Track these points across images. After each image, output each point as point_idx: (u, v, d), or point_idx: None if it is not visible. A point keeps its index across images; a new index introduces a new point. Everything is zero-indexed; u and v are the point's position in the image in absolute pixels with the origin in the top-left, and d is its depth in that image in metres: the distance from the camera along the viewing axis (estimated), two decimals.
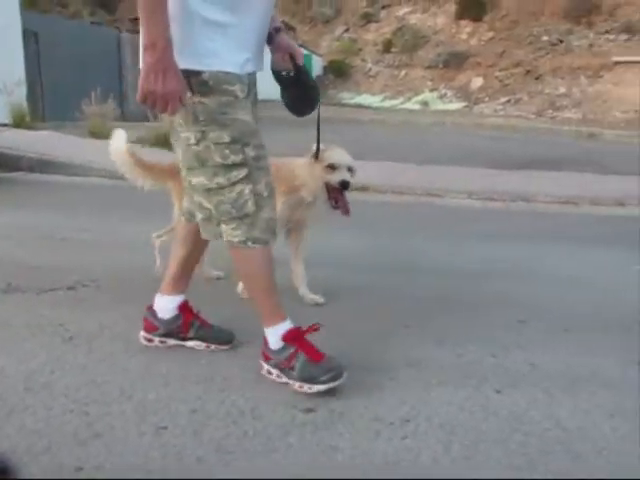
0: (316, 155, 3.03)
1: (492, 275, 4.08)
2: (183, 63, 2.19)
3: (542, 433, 2.26)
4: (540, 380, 2.63)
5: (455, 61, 23.52)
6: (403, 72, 24.22)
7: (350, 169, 3.10)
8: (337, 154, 3.10)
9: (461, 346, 2.93)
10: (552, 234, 5.31)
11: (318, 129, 2.80)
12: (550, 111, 19.06)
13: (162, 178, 3.32)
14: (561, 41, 23.54)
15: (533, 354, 2.88)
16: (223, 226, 2.42)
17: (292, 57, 2.57)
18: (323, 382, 2.39)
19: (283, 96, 2.62)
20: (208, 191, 2.38)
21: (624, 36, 21.70)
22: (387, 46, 27.00)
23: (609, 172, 8.22)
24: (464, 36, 25.30)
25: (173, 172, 3.05)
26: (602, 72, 20.07)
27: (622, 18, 22.56)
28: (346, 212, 3.10)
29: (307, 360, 2.43)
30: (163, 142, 7.86)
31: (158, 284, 2.84)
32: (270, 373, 2.52)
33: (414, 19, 27.09)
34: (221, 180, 2.35)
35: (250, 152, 2.35)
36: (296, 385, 2.43)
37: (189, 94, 2.25)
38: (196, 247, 2.79)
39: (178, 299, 2.78)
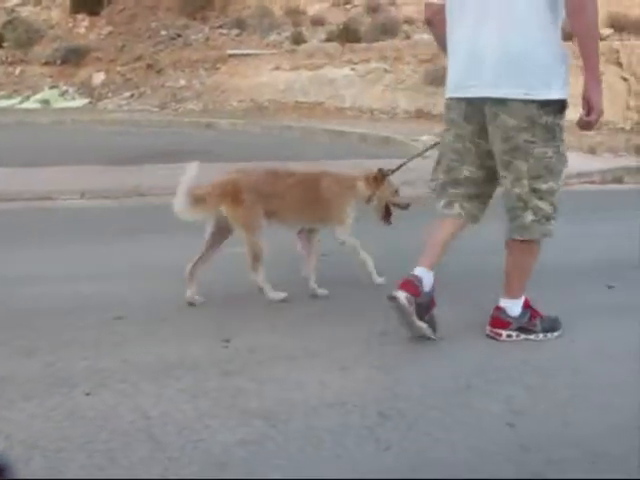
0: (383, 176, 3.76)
1: (79, 278, 3.99)
2: (556, 94, 2.89)
3: (127, 427, 2.31)
4: (130, 375, 2.69)
5: (74, 57, 22.71)
6: (18, 69, 22.80)
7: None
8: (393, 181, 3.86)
9: (53, 354, 2.86)
10: (167, 226, 5.41)
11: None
12: (173, 103, 19.42)
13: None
14: (179, 35, 24.00)
15: (126, 350, 2.93)
16: (552, 223, 3.01)
17: None
18: (558, 329, 3.19)
19: None
20: (553, 193, 2.98)
21: (236, 31, 22.86)
22: None
23: (223, 160, 8.64)
24: (82, 30, 24.62)
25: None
26: (219, 64, 20.93)
27: (233, 14, 23.79)
28: (390, 223, 3.85)
29: (541, 317, 3.16)
30: None
31: None
32: (509, 336, 3.11)
33: (26, 12, 25.61)
34: (560, 183, 2.99)
35: None
36: (540, 336, 3.14)
37: (551, 117, 2.90)
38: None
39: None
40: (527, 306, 3.16)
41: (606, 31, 16.77)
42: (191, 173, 3.38)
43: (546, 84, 2.86)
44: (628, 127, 14.64)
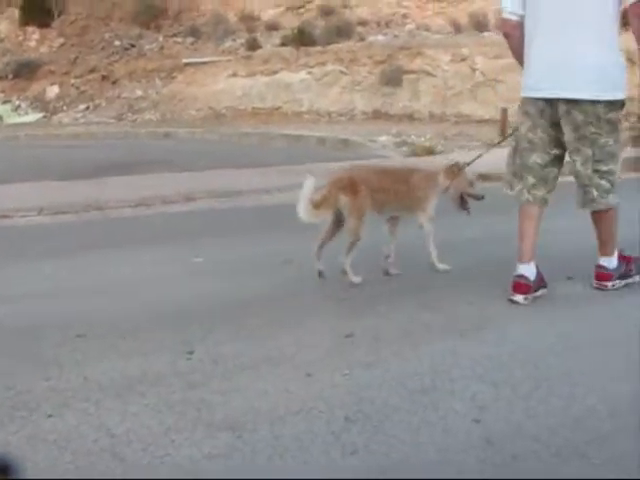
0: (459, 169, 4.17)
1: (39, 296, 3.94)
2: (619, 95, 3.62)
3: (91, 446, 2.29)
4: (92, 393, 2.65)
5: (26, 70, 22.38)
6: None
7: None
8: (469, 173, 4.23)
9: (12, 376, 2.81)
10: (125, 239, 5.37)
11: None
12: (130, 114, 19.27)
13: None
14: (133, 45, 23.79)
15: (88, 368, 2.89)
16: (611, 196, 3.67)
17: None
18: None
19: None
20: (613, 173, 3.66)
21: (190, 39, 22.74)
22: None
23: (181, 170, 8.59)
24: (33, 43, 24.27)
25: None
26: (175, 73, 20.81)
27: (187, 22, 23.65)
28: (469, 212, 4.21)
29: (634, 260, 3.90)
30: None
31: None
32: (614, 286, 3.81)
33: None
34: (618, 166, 3.72)
35: None
36: (636, 278, 3.89)
37: (614, 114, 3.64)
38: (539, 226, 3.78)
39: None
40: (621, 258, 3.85)
41: None
42: (309, 184, 3.92)
43: (612, 88, 3.59)
44: None
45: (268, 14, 22.22)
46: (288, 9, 22.06)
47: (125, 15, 24.63)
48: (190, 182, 7.67)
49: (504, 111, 12.01)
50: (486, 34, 17.09)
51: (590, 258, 3.87)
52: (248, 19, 22.20)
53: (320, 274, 4.04)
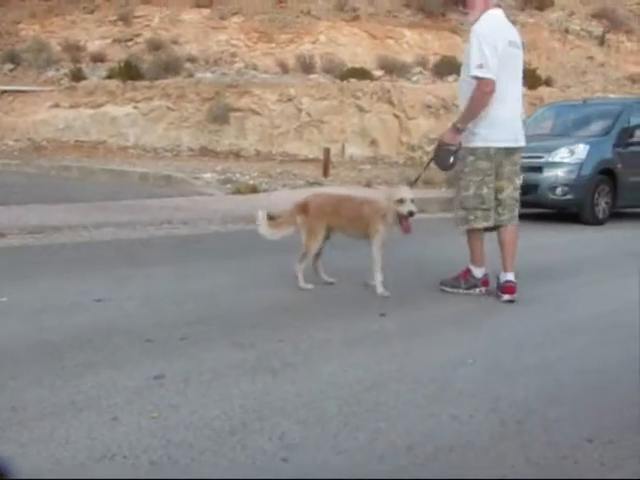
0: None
1: None
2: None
3: None
4: None
5: None
6: None
7: (413, 201, 4.64)
8: (402, 191, 4.73)
9: None
10: None
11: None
12: None
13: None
14: None
15: None
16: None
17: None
18: None
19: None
20: None
21: (9, 65, 21.75)
22: None
23: None
24: None
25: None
26: None
27: (5, 47, 22.59)
28: (409, 231, 4.70)
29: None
30: None
31: None
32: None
33: None
34: None
35: None
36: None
37: None
38: None
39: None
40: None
41: (378, 72, 17.92)
42: (262, 213, 4.90)
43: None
44: (401, 161, 15.66)
45: (94, 45, 21.71)
46: (115, 41, 21.66)
47: None
48: (1, 216, 7.25)
49: (327, 151, 12.42)
50: (312, 76, 17.66)
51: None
52: (73, 49, 21.57)
53: (330, 283, 4.97)
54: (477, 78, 4.58)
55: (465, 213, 4.84)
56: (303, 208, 4.89)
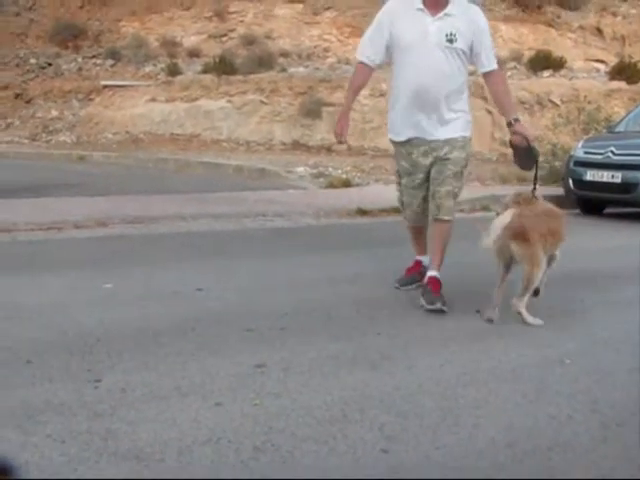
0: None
1: None
2: None
3: None
4: None
5: None
6: None
7: None
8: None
9: None
10: (33, 263, 5.22)
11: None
12: (44, 135, 18.81)
13: None
14: (50, 64, 23.29)
15: None
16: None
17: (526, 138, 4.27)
18: None
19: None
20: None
21: (110, 61, 22.44)
22: None
23: (95, 194, 8.44)
24: None
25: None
26: (92, 95, 20.46)
27: (107, 44, 23.34)
28: None
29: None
30: None
31: None
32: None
33: None
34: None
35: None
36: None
37: None
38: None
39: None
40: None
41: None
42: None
43: None
44: (494, 158, 15.36)
45: (190, 40, 22.19)
46: (210, 37, 22.08)
47: (42, 33, 24.13)
48: (103, 207, 7.53)
49: None
50: None
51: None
52: (169, 44, 22.10)
53: (490, 321, 4.00)
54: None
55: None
56: (520, 234, 3.92)
